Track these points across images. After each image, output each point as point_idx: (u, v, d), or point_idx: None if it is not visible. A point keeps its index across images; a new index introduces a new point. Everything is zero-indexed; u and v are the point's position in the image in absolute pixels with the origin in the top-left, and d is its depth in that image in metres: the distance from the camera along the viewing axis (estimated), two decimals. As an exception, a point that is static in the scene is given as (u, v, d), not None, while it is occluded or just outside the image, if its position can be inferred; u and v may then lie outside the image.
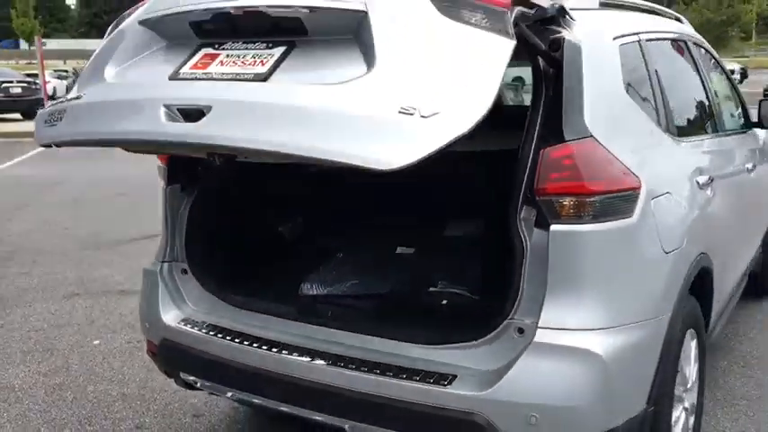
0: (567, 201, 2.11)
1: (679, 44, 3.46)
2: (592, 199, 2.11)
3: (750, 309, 4.74)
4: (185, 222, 2.82)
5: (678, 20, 3.84)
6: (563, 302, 2.11)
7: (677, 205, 2.52)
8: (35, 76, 27.09)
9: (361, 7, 1.99)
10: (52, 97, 31.86)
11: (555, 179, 2.11)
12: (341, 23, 2.06)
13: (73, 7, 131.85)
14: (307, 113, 1.90)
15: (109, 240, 6.87)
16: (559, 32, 2.20)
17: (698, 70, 3.53)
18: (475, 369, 2.18)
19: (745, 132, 4.11)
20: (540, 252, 2.12)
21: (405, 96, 1.83)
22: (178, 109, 2.06)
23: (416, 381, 2.20)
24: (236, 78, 2.08)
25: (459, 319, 2.37)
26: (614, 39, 2.59)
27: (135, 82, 2.30)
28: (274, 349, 2.46)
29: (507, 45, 1.88)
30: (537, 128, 2.16)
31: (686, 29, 3.76)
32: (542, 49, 2.09)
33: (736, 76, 36.56)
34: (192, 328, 2.68)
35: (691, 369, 2.78)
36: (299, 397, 2.40)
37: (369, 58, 1.96)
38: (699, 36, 3.91)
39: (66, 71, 45.74)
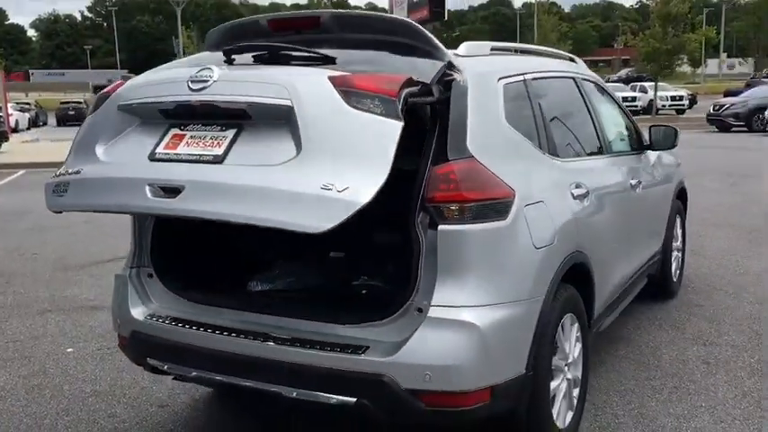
0: (451, 207, 2.71)
1: (566, 81, 4.12)
2: (470, 205, 2.72)
3: (654, 309, 5.39)
4: (151, 235, 3.37)
5: (572, 60, 4.51)
6: (450, 286, 2.70)
7: (550, 211, 3.13)
8: (-2, 108, 27.28)
9: (288, 103, 2.58)
10: (15, 130, 32.06)
11: (442, 190, 2.72)
12: (275, 113, 2.64)
13: (35, 39, 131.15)
14: (254, 191, 2.50)
15: (77, 263, 7.32)
16: (451, 75, 2.84)
17: (584, 102, 4.19)
18: (383, 341, 2.75)
19: (635, 154, 4.79)
20: (432, 248, 2.71)
21: (324, 175, 2.43)
22: (159, 186, 2.66)
23: (339, 352, 2.76)
24: (200, 160, 2.68)
25: (374, 305, 2.93)
26: (499, 79, 3.23)
27: (122, 161, 2.86)
28: (226, 333, 3.00)
29: (397, 126, 2.48)
30: (430, 151, 2.78)
31: (577, 67, 4.43)
32: (434, 101, 2.72)
33: (685, 102, 38.05)
34: (157, 320, 3.21)
35: (572, 347, 3.38)
36: (248, 371, 2.94)
37: (297, 142, 2.55)
38: (590, 73, 4.58)
39: (29, 104, 45.81)
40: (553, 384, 3.20)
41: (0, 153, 21.10)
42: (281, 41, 3.07)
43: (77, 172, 2.92)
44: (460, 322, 2.67)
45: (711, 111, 25.98)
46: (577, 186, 3.51)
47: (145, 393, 4.12)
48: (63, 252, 7.85)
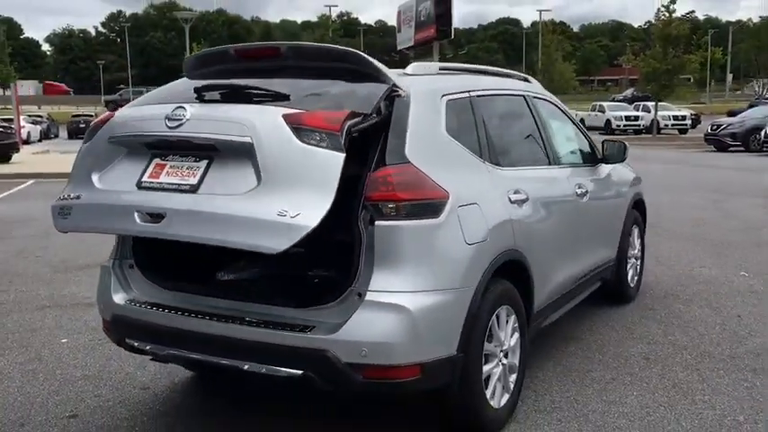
0: (388, 205, 3.12)
1: (516, 98, 4.54)
2: (404, 204, 3.13)
3: (609, 312, 5.77)
4: None
5: (526, 80, 4.93)
6: (386, 274, 3.11)
7: (484, 212, 3.52)
8: (10, 120, 27.94)
9: (248, 140, 3.03)
10: (27, 142, 32.73)
11: (380, 191, 3.13)
12: (238, 148, 3.08)
13: (49, 53, 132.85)
14: (223, 218, 2.97)
15: (77, 265, 7.76)
16: (396, 93, 3.27)
17: (533, 117, 4.59)
18: (327, 322, 3.15)
19: (586, 166, 5.19)
20: (372, 241, 3.12)
21: (280, 203, 2.89)
22: (146, 212, 3.14)
23: (289, 330, 3.17)
24: (178, 189, 3.15)
25: (322, 291, 3.33)
26: (442, 96, 3.65)
27: (114, 188, 3.34)
28: (194, 316, 3.41)
29: (340, 157, 2.93)
30: (374, 157, 3.20)
31: (530, 86, 4.84)
32: (377, 121, 3.15)
33: (688, 122, 38.42)
34: (136, 305, 3.63)
35: (507, 336, 3.76)
36: (213, 348, 3.35)
37: (257, 173, 3.00)
38: (544, 92, 5.00)
39: (41, 116, 46.63)
40: (487, 367, 3.59)
41: (11, 163, 21.67)
42: (248, 68, 3.53)
43: (78, 197, 3.41)
44: (393, 305, 3.08)
45: (709, 131, 26.38)
46: (516, 192, 3.91)
47: (129, 378, 4.53)
48: (65, 255, 8.29)
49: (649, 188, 7.03)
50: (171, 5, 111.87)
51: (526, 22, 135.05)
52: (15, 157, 22.45)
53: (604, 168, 5.47)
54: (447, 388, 3.37)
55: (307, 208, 2.87)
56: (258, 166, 3.00)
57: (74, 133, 41.75)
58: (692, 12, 33.44)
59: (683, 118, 38.77)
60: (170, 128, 3.22)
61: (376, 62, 3.37)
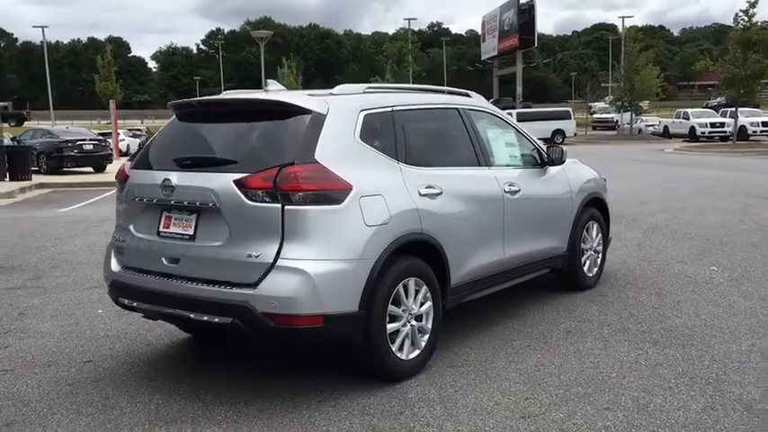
0: (295, 194, 4.11)
1: (448, 111, 5.44)
2: (306, 193, 4.12)
3: (562, 297, 6.54)
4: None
5: (467, 95, 5.81)
6: (293, 247, 4.10)
7: (387, 202, 4.43)
8: (107, 134, 30.46)
9: (215, 203, 4.23)
10: (125, 154, 35.41)
11: (290, 183, 4.12)
12: (212, 209, 4.26)
13: (154, 70, 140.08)
14: (215, 261, 4.23)
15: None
16: (311, 112, 4.29)
17: (465, 126, 5.45)
18: (249, 282, 4.15)
19: (526, 168, 6.02)
20: (283, 221, 4.12)
21: (247, 249, 4.10)
22: (167, 258, 4.41)
23: (221, 287, 4.20)
24: (183, 238, 4.38)
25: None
26: (360, 110, 4.62)
27: (144, 236, 4.65)
28: (157, 276, 4.50)
29: (278, 207, 4.09)
30: (290, 158, 4.21)
31: (469, 101, 5.72)
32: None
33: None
34: (125, 271, 4.75)
35: (416, 303, 4.66)
36: (171, 301, 4.40)
37: (227, 227, 4.21)
38: (484, 105, 5.87)
39: (140, 130, 49.93)
40: (393, 326, 4.51)
41: (105, 173, 23.84)
42: (207, 112, 4.87)
43: (124, 241, 4.76)
44: (296, 269, 4.07)
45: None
46: (428, 187, 4.81)
47: (139, 337, 5.69)
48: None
49: (686, 193, 7.66)
50: (266, 21, 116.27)
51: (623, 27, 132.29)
52: (109, 167, 24.63)
53: (552, 170, 6.27)
54: (350, 337, 4.33)
55: (264, 248, 4.10)
56: (226, 223, 4.22)
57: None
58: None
59: (765, 124, 37.84)
60: (165, 195, 4.49)
61: (297, 101, 4.44)
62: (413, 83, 51.22)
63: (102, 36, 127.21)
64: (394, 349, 4.54)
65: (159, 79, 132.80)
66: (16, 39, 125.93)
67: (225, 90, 5.07)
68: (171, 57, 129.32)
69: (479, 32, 69.97)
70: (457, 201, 5.05)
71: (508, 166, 5.88)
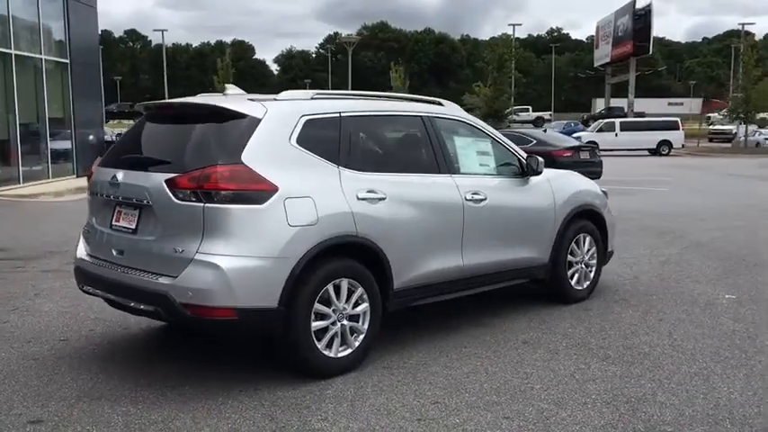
0: (215, 193, 4.36)
1: (409, 118, 5.54)
2: (227, 193, 4.35)
3: (544, 309, 6.46)
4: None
5: (439, 103, 5.88)
6: (211, 242, 4.34)
7: (317, 204, 4.58)
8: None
9: (148, 201, 4.57)
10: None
11: (211, 182, 4.36)
12: (146, 206, 4.59)
13: (275, 73, 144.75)
14: (150, 254, 4.57)
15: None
16: (246, 116, 4.54)
17: (428, 134, 5.51)
18: (171, 275, 4.41)
19: (499, 177, 6.03)
20: (203, 218, 4.37)
21: (173, 244, 4.39)
22: (115, 249, 4.81)
23: (148, 276, 4.51)
24: (127, 231, 4.74)
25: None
26: (302, 116, 4.81)
27: (100, 227, 5.05)
28: (106, 266, 4.88)
29: (199, 206, 4.35)
30: (214, 158, 4.46)
31: (438, 108, 5.78)
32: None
33: None
34: (89, 259, 5.15)
35: (347, 303, 4.79)
36: (115, 289, 4.78)
37: (158, 224, 4.53)
38: (457, 114, 5.92)
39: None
40: (319, 324, 4.67)
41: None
42: (161, 114, 5.26)
43: (89, 231, 5.21)
44: (211, 263, 4.31)
45: None
46: (370, 191, 4.93)
47: (120, 322, 6.02)
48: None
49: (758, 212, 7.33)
50: (381, 26, 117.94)
51: (760, 33, 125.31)
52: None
53: (534, 180, 6.23)
54: (270, 331, 4.53)
55: (188, 244, 4.38)
56: (157, 219, 4.54)
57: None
58: None
59: None
60: (114, 191, 4.87)
61: (236, 107, 4.70)
62: (514, 89, 50.89)
63: (229, 39, 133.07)
64: (320, 347, 4.70)
65: (279, 82, 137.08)
66: (150, 41, 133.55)
67: (226, 91, 5.41)
68: (290, 60, 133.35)
69: (588, 34, 68.35)
70: (404, 206, 5.14)
71: (476, 174, 5.89)
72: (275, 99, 4.90)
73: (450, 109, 5.98)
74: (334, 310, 4.76)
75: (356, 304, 4.88)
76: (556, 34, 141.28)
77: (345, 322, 4.83)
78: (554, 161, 18.09)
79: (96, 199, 5.13)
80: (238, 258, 4.37)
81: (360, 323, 4.91)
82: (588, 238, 6.77)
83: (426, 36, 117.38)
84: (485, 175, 6.00)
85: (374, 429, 4.02)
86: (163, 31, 72.95)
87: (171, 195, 4.44)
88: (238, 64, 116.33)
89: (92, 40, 23.02)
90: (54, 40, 20.52)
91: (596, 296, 6.88)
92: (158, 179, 4.52)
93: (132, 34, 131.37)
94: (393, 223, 5.05)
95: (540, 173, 6.22)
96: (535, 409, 4.27)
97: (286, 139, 4.72)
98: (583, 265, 6.74)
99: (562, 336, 5.69)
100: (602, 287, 7.18)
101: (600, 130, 39.63)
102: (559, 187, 6.51)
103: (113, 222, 4.90)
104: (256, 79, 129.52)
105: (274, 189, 4.48)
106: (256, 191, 4.45)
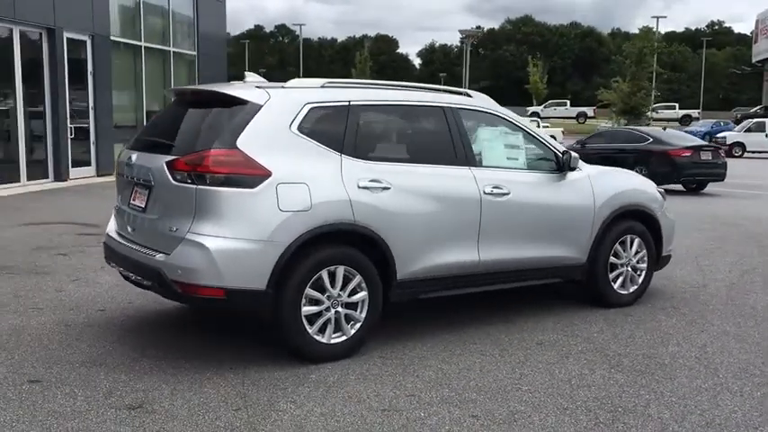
0: (208, 175, 4.51)
1: (429, 108, 5.45)
2: (219, 176, 4.48)
3: (581, 311, 6.19)
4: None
5: (467, 95, 5.73)
6: (202, 223, 4.49)
7: (312, 190, 4.63)
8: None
9: (152, 182, 4.81)
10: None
11: (204, 165, 4.51)
12: (152, 186, 4.84)
13: (418, 67, 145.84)
14: (153, 232, 4.81)
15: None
16: (246, 102, 4.68)
17: (447, 125, 5.41)
18: (165, 252, 4.61)
19: (527, 171, 5.81)
20: (195, 199, 4.53)
21: (171, 222, 4.59)
22: (130, 226, 5.10)
23: (147, 254, 4.74)
24: (139, 209, 4.99)
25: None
26: (305, 103, 4.87)
27: (121, 206, 5.35)
28: (123, 243, 5.17)
29: (192, 188, 4.51)
30: (209, 142, 4.62)
31: (464, 99, 5.64)
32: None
33: None
34: (115, 236, 5.47)
35: (345, 291, 4.81)
36: (126, 264, 5.07)
37: (161, 203, 4.76)
38: (486, 106, 5.75)
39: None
40: (311, 309, 4.72)
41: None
42: (181, 100, 5.46)
43: (116, 210, 5.53)
44: (200, 243, 4.46)
45: None
46: (373, 180, 4.92)
47: (129, 301, 6.30)
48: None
49: None
50: (525, 20, 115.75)
51: None
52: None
53: (571, 176, 5.97)
54: (260, 314, 4.64)
55: (183, 224, 4.55)
56: (160, 198, 4.77)
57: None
58: None
59: None
60: (130, 172, 5.15)
61: (237, 94, 4.84)
62: (654, 84, 48.24)
63: (374, 33, 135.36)
64: (311, 331, 4.75)
65: (420, 75, 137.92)
66: (297, 35, 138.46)
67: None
68: (431, 54, 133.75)
69: (744, 30, 63.78)
70: (411, 197, 5.07)
71: (500, 168, 5.70)
72: (282, 87, 4.99)
73: (479, 101, 5.82)
74: (328, 297, 4.79)
75: (353, 292, 4.89)
76: (717, 27, 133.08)
77: (340, 309, 4.85)
78: (671, 161, 17.17)
79: (121, 179, 5.44)
80: (227, 240, 4.49)
81: (357, 311, 4.91)
82: (637, 240, 6.39)
83: (572, 30, 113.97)
84: (512, 168, 5.79)
85: (336, 415, 4.02)
86: (301, 25, 76.14)
87: (170, 177, 4.63)
88: (380, 58, 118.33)
89: (220, 33, 24.11)
90: (183, 33, 21.70)
91: (644, 301, 6.50)
92: (161, 161, 4.73)
93: (282, 29, 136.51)
94: (398, 213, 5.00)
95: (574, 168, 5.94)
96: (508, 410, 4.12)
97: (286, 126, 4.79)
98: (629, 268, 6.38)
99: (582, 340, 5.43)
100: (657, 292, 6.78)
101: (748, 131, 36.91)
102: (601, 185, 6.18)
103: (131, 201, 5.17)
104: (396, 72, 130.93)
105: (267, 174, 4.57)
106: (249, 175, 4.55)
